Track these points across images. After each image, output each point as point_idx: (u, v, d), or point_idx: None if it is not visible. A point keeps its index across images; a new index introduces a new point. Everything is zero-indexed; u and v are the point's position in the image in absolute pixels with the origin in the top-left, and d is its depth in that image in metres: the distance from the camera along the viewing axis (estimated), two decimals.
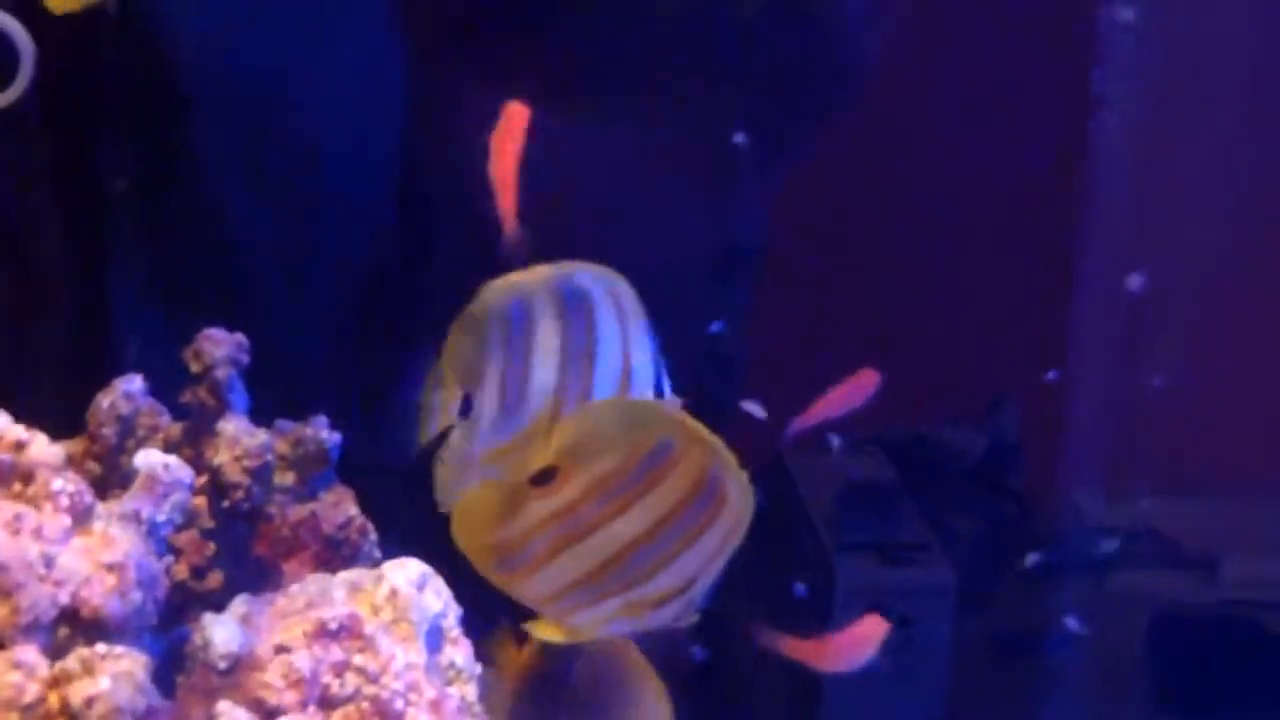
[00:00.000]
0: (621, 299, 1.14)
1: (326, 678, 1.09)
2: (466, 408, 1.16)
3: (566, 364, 1.12)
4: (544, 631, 1.13)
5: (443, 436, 1.16)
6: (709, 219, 1.74)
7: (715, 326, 1.73)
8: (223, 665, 1.08)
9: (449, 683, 1.15)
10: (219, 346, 1.20)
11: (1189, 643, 2.03)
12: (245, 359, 1.21)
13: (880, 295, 2.04)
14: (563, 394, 1.13)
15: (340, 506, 1.22)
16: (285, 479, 1.22)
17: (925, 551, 1.99)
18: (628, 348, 1.15)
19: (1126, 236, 1.91)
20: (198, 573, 1.20)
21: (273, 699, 1.07)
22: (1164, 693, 2.01)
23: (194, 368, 1.20)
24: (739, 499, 1.08)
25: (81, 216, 1.49)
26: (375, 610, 1.13)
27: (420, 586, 1.15)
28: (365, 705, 1.09)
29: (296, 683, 1.08)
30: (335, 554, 1.21)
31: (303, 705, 1.08)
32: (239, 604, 1.11)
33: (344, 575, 1.14)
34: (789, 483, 2.03)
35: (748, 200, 1.76)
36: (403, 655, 1.11)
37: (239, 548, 1.21)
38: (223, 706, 1.06)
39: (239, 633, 1.09)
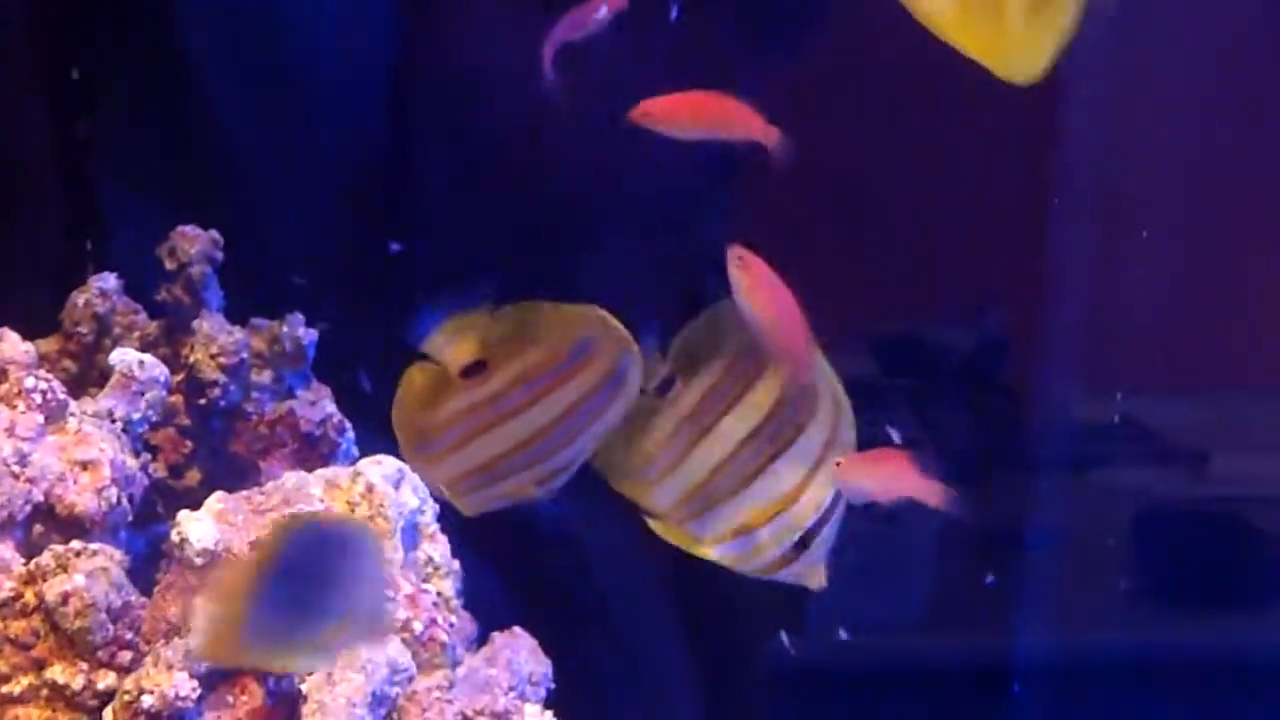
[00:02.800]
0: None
1: None
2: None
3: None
4: (669, 535, 1.12)
5: None
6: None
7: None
8: (199, 561, 1.08)
9: (426, 578, 1.14)
10: (193, 243, 1.19)
11: (1176, 538, 2.00)
12: (220, 255, 1.19)
13: (870, 196, 2.02)
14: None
15: (318, 404, 1.21)
16: (262, 377, 1.21)
17: (913, 448, 1.96)
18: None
19: (1110, 134, 1.89)
20: (175, 470, 1.20)
21: None
22: (1150, 589, 1.98)
23: (168, 265, 1.19)
24: (829, 406, 1.11)
25: (72, 118, 1.47)
26: (352, 506, 1.12)
27: (396, 483, 1.14)
28: None
29: None
30: (313, 451, 1.20)
31: None
32: (215, 501, 1.10)
33: (320, 472, 1.14)
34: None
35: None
36: None
37: (216, 445, 1.20)
38: (199, 602, 1.05)
39: (215, 529, 1.08)
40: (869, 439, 1.78)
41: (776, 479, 1.10)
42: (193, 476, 1.20)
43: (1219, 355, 2.04)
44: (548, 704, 1.17)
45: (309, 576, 0.90)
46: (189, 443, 1.20)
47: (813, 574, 1.12)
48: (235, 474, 1.19)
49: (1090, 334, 1.95)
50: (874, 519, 1.89)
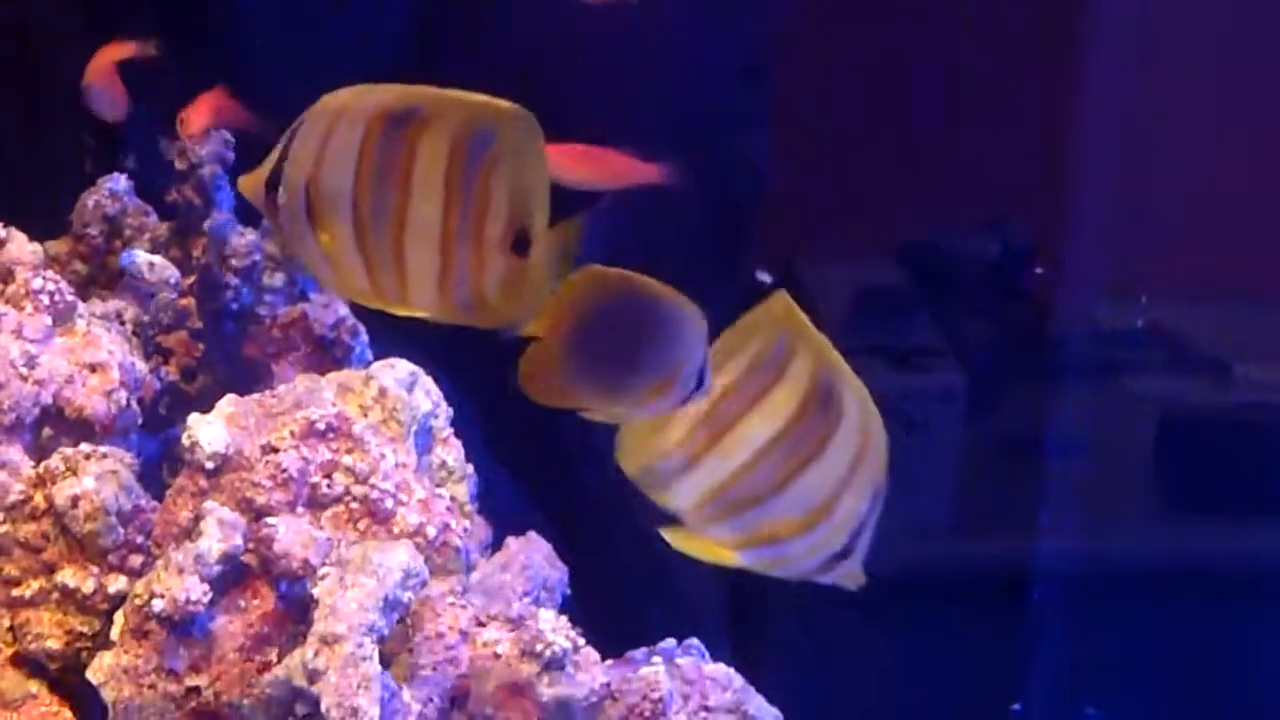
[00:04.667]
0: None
1: (315, 478, 1.06)
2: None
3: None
4: (687, 544, 1.08)
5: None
6: (732, 35, 1.68)
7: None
8: (210, 465, 1.05)
9: (440, 483, 1.12)
10: (204, 144, 1.16)
11: (1199, 445, 1.98)
12: (231, 156, 1.16)
13: (895, 106, 1.98)
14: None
15: (331, 307, 1.18)
16: (274, 280, 1.18)
17: (936, 356, 1.94)
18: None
19: (1137, 38, 1.85)
20: (188, 374, 1.17)
21: (260, 499, 1.04)
22: (1173, 495, 1.97)
23: (179, 165, 1.16)
24: (858, 410, 1.04)
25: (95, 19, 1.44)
26: (364, 410, 1.09)
27: (409, 386, 1.11)
28: (354, 505, 1.07)
29: (284, 483, 1.05)
30: (327, 355, 1.17)
31: (291, 505, 1.05)
32: (226, 404, 1.08)
33: (333, 375, 1.11)
34: (800, 289, 1.98)
35: (768, 17, 1.71)
36: (392, 455, 1.08)
37: (229, 349, 1.18)
38: (209, 506, 1.03)
39: (225, 433, 1.06)
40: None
41: (808, 490, 1.04)
42: (205, 380, 1.17)
43: (1244, 263, 2.01)
44: (564, 610, 1.15)
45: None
46: (201, 346, 1.17)
47: (852, 577, 1.08)
48: (248, 378, 1.16)
49: (1114, 241, 1.92)
50: (897, 428, 1.88)
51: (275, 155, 0.96)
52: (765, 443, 1.04)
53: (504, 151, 0.97)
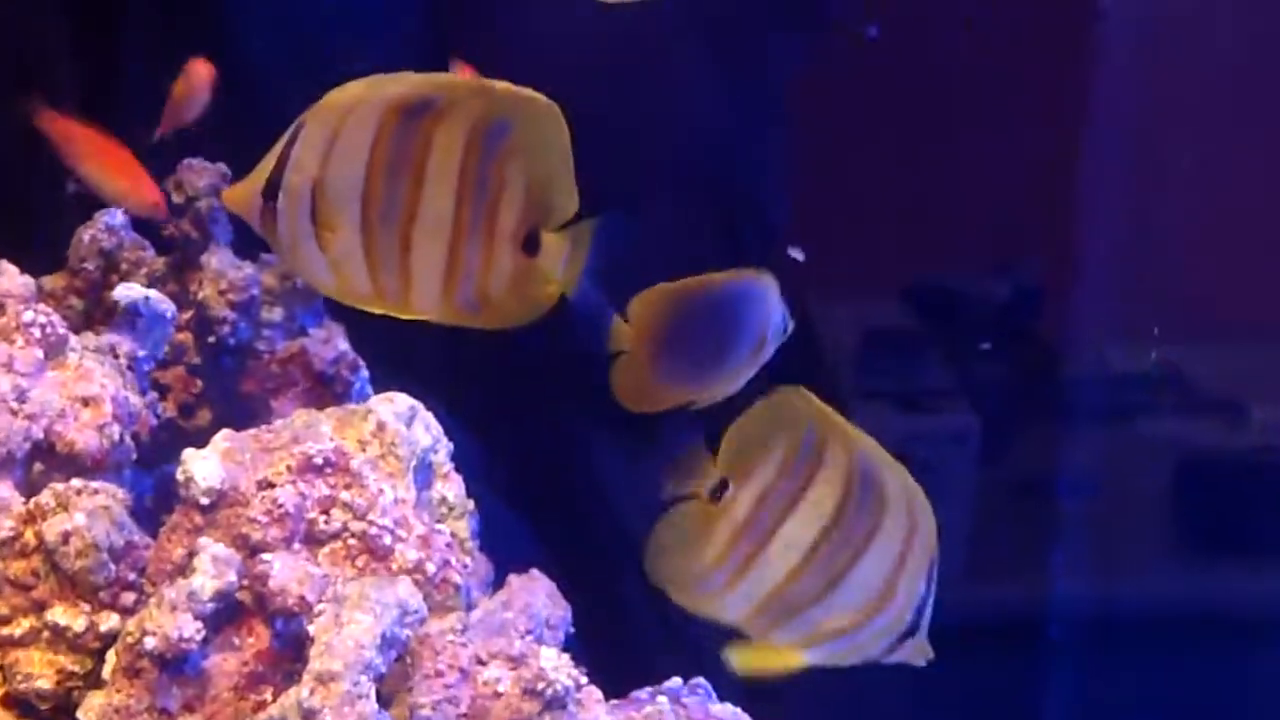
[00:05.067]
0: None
1: (312, 513, 1.04)
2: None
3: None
4: (752, 659, 1.06)
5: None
6: (743, 82, 1.67)
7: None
8: (205, 501, 1.03)
9: (440, 519, 1.09)
10: (201, 176, 1.14)
11: (1215, 489, 1.94)
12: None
13: (904, 147, 1.96)
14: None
15: (330, 342, 1.16)
16: (273, 314, 1.16)
17: (946, 398, 1.92)
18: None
19: (1145, 80, 1.83)
20: (185, 410, 1.15)
21: (256, 535, 1.02)
22: (1189, 539, 1.93)
23: (176, 198, 1.14)
24: (900, 492, 1.03)
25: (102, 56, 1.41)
26: (362, 445, 1.07)
27: (409, 421, 1.09)
28: (352, 541, 1.04)
29: (281, 518, 1.03)
30: (326, 390, 1.15)
31: (287, 541, 1.03)
32: (222, 439, 1.06)
33: (331, 410, 1.09)
34: (810, 328, 1.96)
35: (780, 62, 1.70)
36: (390, 490, 1.06)
37: (227, 384, 1.16)
38: (203, 542, 1.00)
39: (221, 468, 1.03)
40: None
41: (864, 580, 1.03)
42: (203, 416, 1.15)
43: (1256, 304, 1.99)
44: (567, 648, 1.12)
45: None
46: (199, 382, 1.15)
47: (919, 650, 1.07)
48: (247, 413, 1.14)
49: (1126, 284, 1.89)
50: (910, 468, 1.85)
51: (270, 161, 0.93)
52: (811, 543, 1.03)
53: (522, 142, 0.94)
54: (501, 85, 0.96)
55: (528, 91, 0.95)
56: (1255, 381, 1.97)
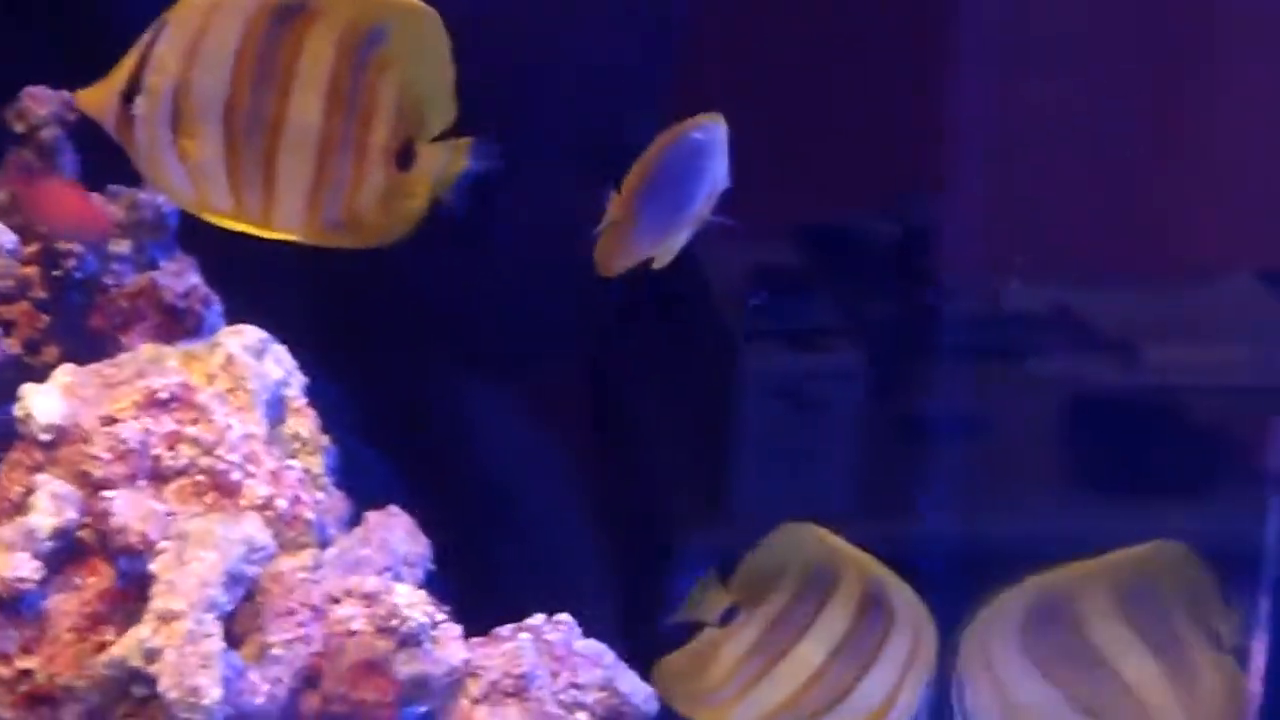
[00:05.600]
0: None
1: (157, 449, 1.00)
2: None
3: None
4: None
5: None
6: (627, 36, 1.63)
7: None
8: (45, 437, 0.99)
9: (292, 454, 1.06)
10: (44, 105, 1.09)
11: (1105, 427, 1.92)
12: (73, 116, 1.10)
13: (792, 87, 1.94)
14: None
15: (182, 276, 1.12)
16: (121, 247, 1.12)
17: (835, 336, 1.89)
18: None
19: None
20: (31, 346, 1.11)
21: (99, 472, 0.99)
22: (1079, 477, 1.91)
23: (18, 128, 1.10)
24: (908, 613, 1.09)
25: None
26: (210, 378, 1.04)
27: (259, 354, 1.06)
28: (200, 478, 1.01)
29: (124, 454, 0.99)
30: (178, 325, 1.11)
31: (131, 478, 0.99)
32: (63, 373, 1.02)
33: (179, 344, 1.05)
34: (695, 268, 1.93)
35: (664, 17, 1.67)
36: (240, 425, 1.02)
37: (74, 320, 1.12)
38: (41, 479, 0.97)
39: (62, 403, 1.00)
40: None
41: (867, 695, 1.09)
42: (50, 353, 1.11)
43: (1148, 243, 1.97)
44: (430, 587, 1.09)
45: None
46: (45, 317, 1.11)
47: None
48: (95, 349, 1.10)
49: (1015, 223, 1.87)
50: (791, 405, 1.84)
51: (130, 63, 0.89)
52: (821, 663, 1.07)
53: (398, 51, 0.91)
54: None
55: None
56: (1148, 321, 1.95)
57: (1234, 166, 1.89)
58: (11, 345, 1.10)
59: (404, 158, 0.92)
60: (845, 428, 1.86)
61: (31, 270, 1.10)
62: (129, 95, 0.92)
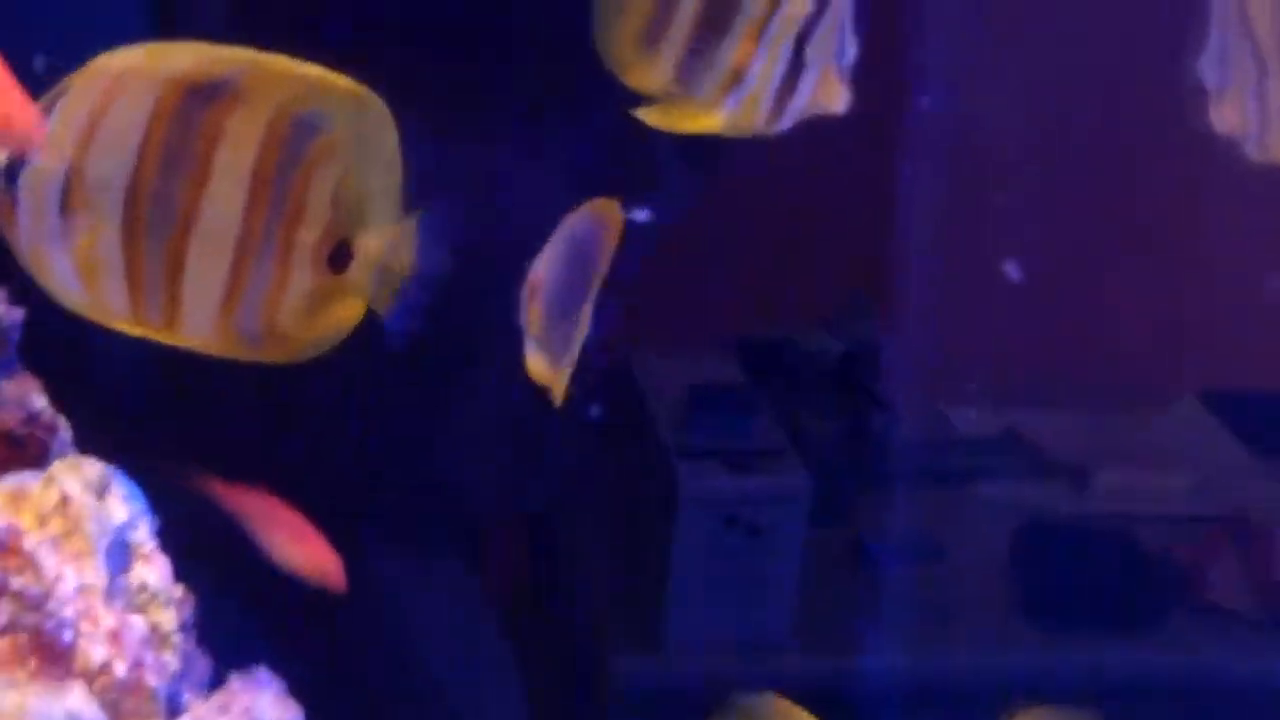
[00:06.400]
0: None
1: None
2: None
3: None
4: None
5: None
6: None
7: None
8: None
9: (139, 608, 0.87)
10: None
11: (1057, 554, 1.81)
12: None
13: (741, 197, 1.81)
14: None
15: (26, 398, 0.93)
16: None
17: (777, 458, 1.75)
18: None
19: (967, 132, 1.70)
20: None
21: None
22: (1030, 604, 1.77)
23: None
24: None
25: None
26: (41, 521, 0.85)
27: (100, 492, 0.87)
28: (22, 638, 0.82)
29: None
30: (18, 455, 0.92)
31: None
32: None
33: (5, 479, 0.86)
34: (632, 385, 1.79)
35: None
36: (74, 576, 0.83)
37: None
38: None
39: None
40: None
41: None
42: None
43: (1098, 370, 1.86)
44: None
45: None
46: None
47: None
48: None
49: (965, 344, 1.75)
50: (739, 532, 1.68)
51: None
52: None
53: (336, 143, 0.73)
54: (315, 70, 0.75)
55: (347, 81, 0.75)
56: (1098, 446, 1.85)
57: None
58: None
59: (337, 257, 0.75)
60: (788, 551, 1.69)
61: None
62: (11, 172, 0.75)
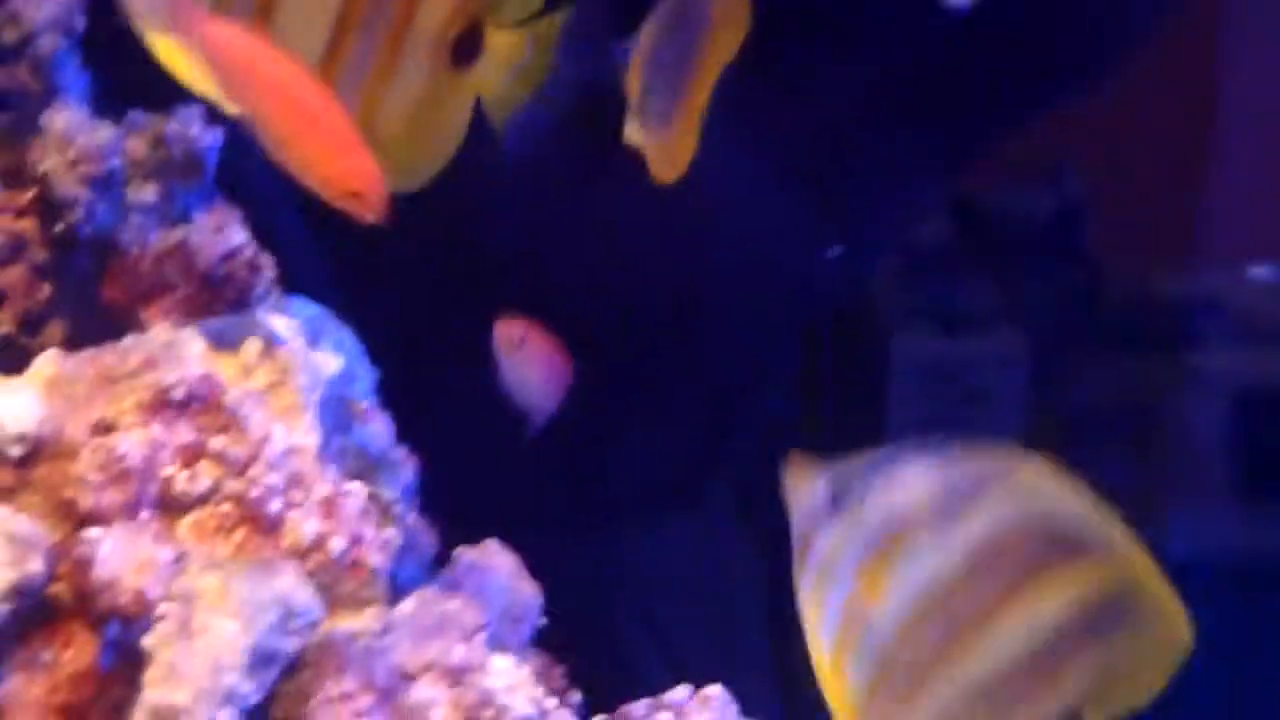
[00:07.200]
0: None
1: (169, 469, 0.66)
2: None
3: None
4: None
5: None
6: None
7: None
8: (16, 452, 0.65)
9: (357, 475, 0.71)
10: (40, 6, 0.75)
11: (1272, 423, 1.65)
12: (81, 26, 0.75)
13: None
14: None
15: (223, 232, 0.77)
16: (144, 193, 0.77)
17: (991, 319, 1.60)
18: None
19: None
20: (28, 323, 0.76)
21: (86, 500, 0.65)
22: (1244, 475, 1.63)
23: (7, 38, 0.75)
24: None
25: None
26: (245, 371, 0.69)
27: (314, 337, 0.71)
28: (226, 508, 0.66)
29: (121, 476, 0.65)
30: (216, 297, 0.76)
31: (130, 508, 0.65)
32: (47, 363, 0.68)
33: (206, 323, 0.71)
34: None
35: None
36: (283, 435, 0.68)
37: (82, 289, 0.77)
38: (2, 514, 0.63)
39: (40, 405, 0.66)
40: None
41: None
42: (53, 333, 0.76)
43: None
44: (540, 642, 0.75)
45: None
46: (47, 286, 0.76)
47: None
48: (109, 329, 0.75)
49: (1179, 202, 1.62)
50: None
51: None
52: None
53: None
54: None
55: None
56: None
57: None
58: (3, 323, 0.75)
59: (465, 48, 0.58)
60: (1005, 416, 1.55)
61: (27, 224, 0.76)
62: None
